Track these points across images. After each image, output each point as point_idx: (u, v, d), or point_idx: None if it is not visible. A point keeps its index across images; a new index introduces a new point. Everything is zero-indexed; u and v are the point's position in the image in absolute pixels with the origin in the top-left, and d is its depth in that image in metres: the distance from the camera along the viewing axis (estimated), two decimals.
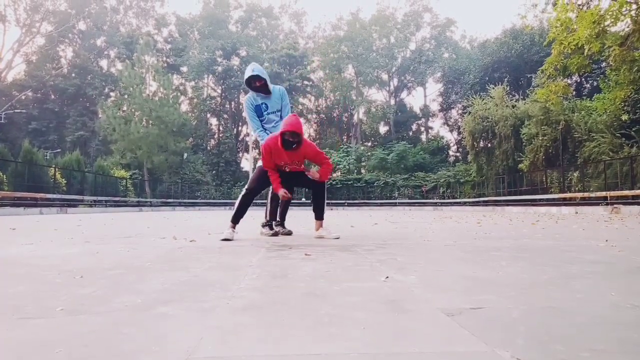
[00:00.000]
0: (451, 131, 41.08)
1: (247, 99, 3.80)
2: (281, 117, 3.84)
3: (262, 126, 3.79)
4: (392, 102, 42.88)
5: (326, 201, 3.76)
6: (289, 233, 3.90)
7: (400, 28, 42.17)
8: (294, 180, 3.71)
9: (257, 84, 3.66)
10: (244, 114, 3.94)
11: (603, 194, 13.26)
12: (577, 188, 15.41)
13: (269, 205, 3.93)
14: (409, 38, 42.95)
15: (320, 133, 44.16)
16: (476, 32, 57.22)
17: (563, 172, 16.83)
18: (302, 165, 3.64)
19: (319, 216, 3.65)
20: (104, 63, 42.93)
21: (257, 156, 3.96)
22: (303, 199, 27.25)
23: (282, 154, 3.39)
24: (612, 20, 11.10)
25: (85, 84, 37.63)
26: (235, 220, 3.53)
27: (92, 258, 2.22)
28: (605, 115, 15.56)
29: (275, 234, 3.71)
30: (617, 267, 1.89)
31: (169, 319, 1.06)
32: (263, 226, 3.88)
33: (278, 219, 4.03)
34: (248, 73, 3.65)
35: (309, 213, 3.79)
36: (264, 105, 3.75)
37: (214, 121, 42.60)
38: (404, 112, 42.40)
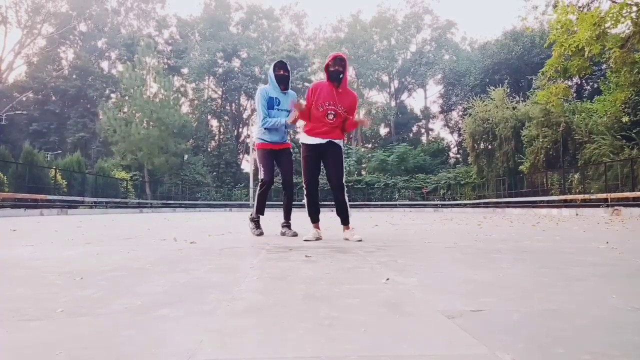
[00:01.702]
0: (452, 133, 41.11)
1: (262, 89, 3.88)
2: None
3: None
4: (393, 103, 42.92)
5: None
6: (295, 234, 3.86)
7: (400, 30, 42.25)
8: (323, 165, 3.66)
9: (281, 72, 3.80)
10: (253, 105, 4.01)
11: (604, 195, 13.24)
12: (577, 190, 15.39)
13: (255, 201, 4.01)
14: (410, 40, 43.02)
15: None
16: (477, 34, 57.65)
17: (563, 173, 16.82)
18: (347, 115, 3.47)
19: (344, 221, 3.56)
20: (104, 65, 43.04)
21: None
22: (303, 200, 27.21)
23: (330, 92, 3.36)
24: (613, 22, 11.10)
25: (86, 85, 37.69)
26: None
27: (92, 260, 2.22)
28: (605, 117, 15.57)
29: (261, 234, 3.80)
30: (618, 270, 1.89)
31: (169, 321, 1.06)
32: (251, 220, 3.97)
33: (284, 219, 4.04)
34: (278, 60, 3.93)
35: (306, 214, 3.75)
36: (276, 100, 3.83)
37: (214, 123, 42.64)
38: (404, 114, 42.43)
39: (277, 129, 3.86)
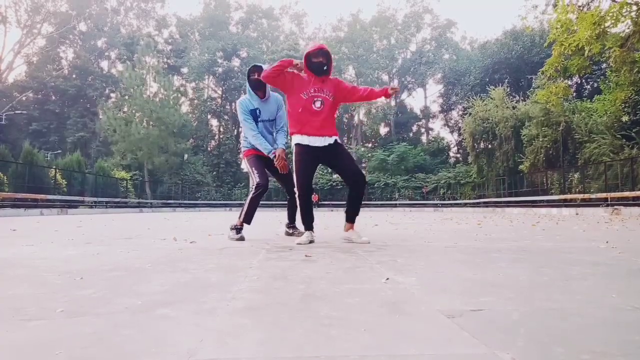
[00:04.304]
0: (452, 132, 41.15)
1: (241, 101, 3.62)
2: (274, 129, 3.72)
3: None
4: (393, 103, 42.92)
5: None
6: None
7: (400, 29, 42.29)
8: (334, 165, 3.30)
9: (255, 75, 3.52)
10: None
11: (603, 195, 13.25)
12: (577, 189, 15.40)
13: (246, 206, 3.56)
14: (410, 39, 43.06)
15: None
16: (477, 34, 57.71)
17: (563, 173, 16.83)
18: (333, 99, 3.13)
19: (351, 218, 3.24)
20: (104, 64, 43.09)
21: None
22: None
23: (312, 80, 3.05)
24: (613, 21, 11.10)
25: (86, 85, 37.70)
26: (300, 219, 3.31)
27: (93, 259, 2.22)
28: (605, 117, 15.58)
29: (242, 239, 3.34)
30: (618, 269, 1.89)
31: (169, 320, 1.06)
32: (231, 229, 3.49)
33: (288, 220, 3.93)
34: (252, 64, 3.64)
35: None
36: (257, 111, 3.60)
37: (214, 122, 42.67)
38: (404, 114, 42.47)
39: (265, 137, 3.65)
